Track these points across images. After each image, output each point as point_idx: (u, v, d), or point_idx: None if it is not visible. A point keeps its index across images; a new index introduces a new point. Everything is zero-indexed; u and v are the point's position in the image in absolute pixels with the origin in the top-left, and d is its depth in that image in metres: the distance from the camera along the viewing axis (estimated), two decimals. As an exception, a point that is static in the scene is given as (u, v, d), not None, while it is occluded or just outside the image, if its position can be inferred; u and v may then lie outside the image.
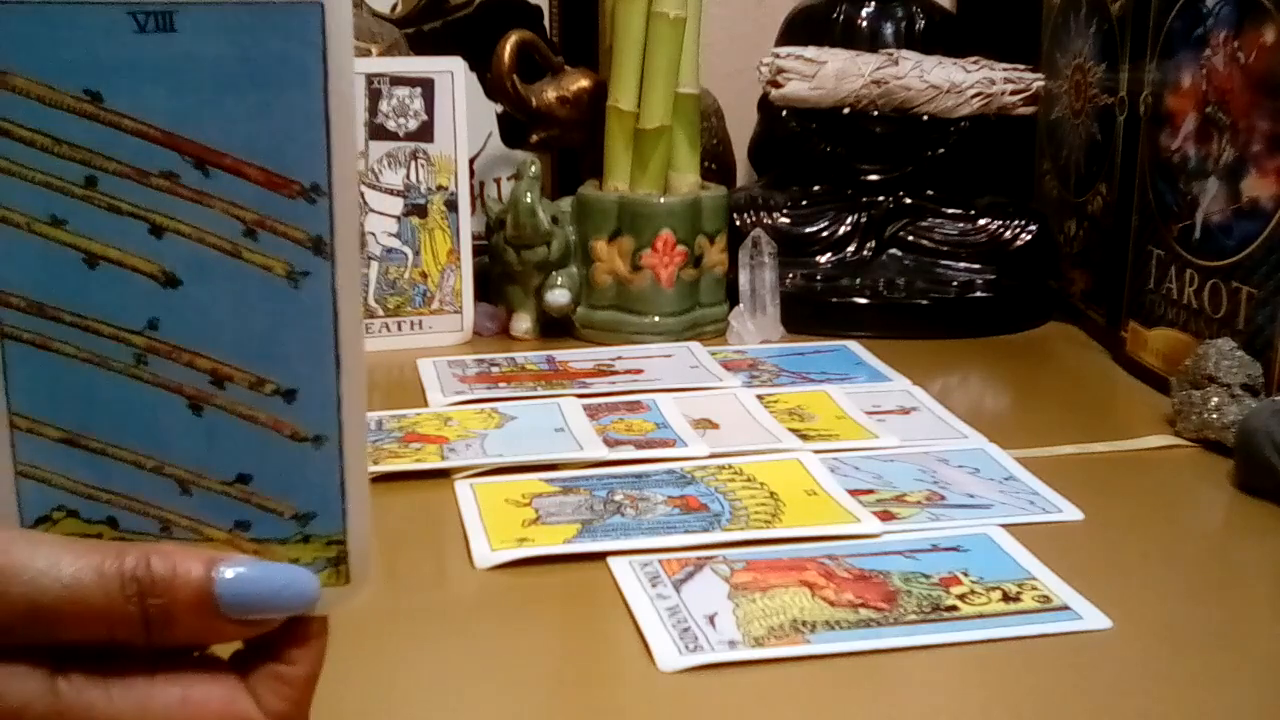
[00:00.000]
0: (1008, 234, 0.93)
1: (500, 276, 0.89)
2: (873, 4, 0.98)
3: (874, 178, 0.95)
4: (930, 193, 0.95)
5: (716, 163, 0.99)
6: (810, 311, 0.90)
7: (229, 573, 0.29)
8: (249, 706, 0.30)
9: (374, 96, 0.84)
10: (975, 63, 0.94)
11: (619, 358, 0.83)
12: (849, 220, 0.94)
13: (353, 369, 0.30)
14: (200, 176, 0.29)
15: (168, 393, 0.30)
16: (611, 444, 0.65)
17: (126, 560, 0.28)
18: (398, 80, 0.85)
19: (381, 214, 0.86)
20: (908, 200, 0.94)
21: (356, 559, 0.31)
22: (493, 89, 0.93)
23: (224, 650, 0.31)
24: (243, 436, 0.30)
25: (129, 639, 0.29)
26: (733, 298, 0.89)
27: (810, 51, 0.93)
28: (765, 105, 0.98)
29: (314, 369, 0.30)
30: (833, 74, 0.92)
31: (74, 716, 0.28)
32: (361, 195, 0.85)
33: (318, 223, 0.29)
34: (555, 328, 0.88)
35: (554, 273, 0.87)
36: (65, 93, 0.28)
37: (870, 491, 0.60)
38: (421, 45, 0.95)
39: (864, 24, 0.97)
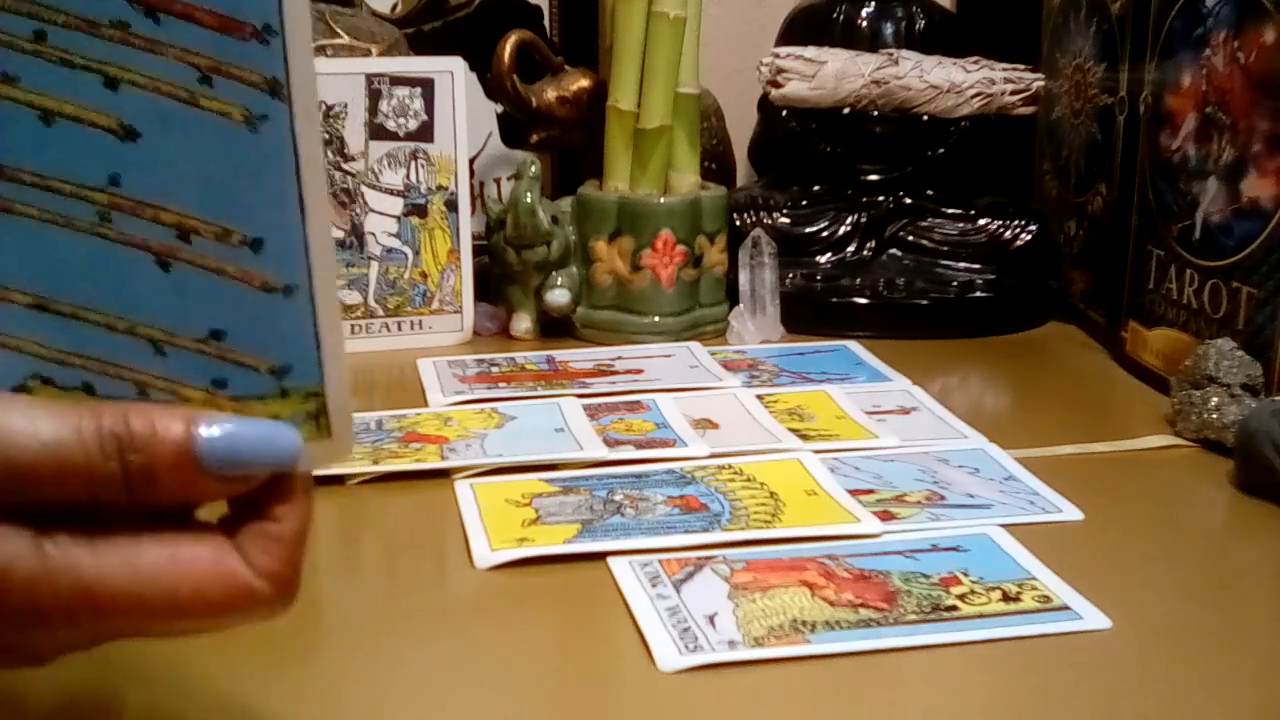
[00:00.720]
0: (1008, 234, 0.93)
1: (500, 276, 0.89)
2: (873, 4, 0.98)
3: (874, 178, 0.95)
4: (930, 193, 0.95)
5: (716, 163, 0.99)
6: (810, 311, 0.90)
7: (209, 429, 0.29)
8: (238, 564, 0.30)
9: (374, 96, 0.84)
10: (975, 63, 0.94)
11: (619, 358, 0.83)
12: (849, 220, 0.94)
13: (317, 214, 0.30)
14: (151, 24, 0.28)
15: (134, 250, 0.30)
16: (611, 444, 0.65)
17: (105, 418, 0.28)
18: (398, 80, 0.85)
19: (381, 214, 0.86)
20: (908, 200, 0.94)
21: (336, 411, 0.31)
22: (493, 89, 0.93)
23: (211, 515, 0.31)
24: (213, 291, 0.30)
25: (111, 498, 0.28)
26: (733, 298, 0.89)
27: (810, 51, 0.93)
28: (765, 105, 0.98)
29: (279, 216, 0.30)
30: (833, 74, 0.92)
31: (60, 575, 0.28)
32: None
33: (273, 64, 0.29)
34: (555, 328, 0.88)
35: (554, 273, 0.87)
36: None
37: (870, 491, 0.60)
38: (421, 45, 0.95)
39: (864, 24, 0.97)
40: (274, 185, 0.29)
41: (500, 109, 0.96)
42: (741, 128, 1.04)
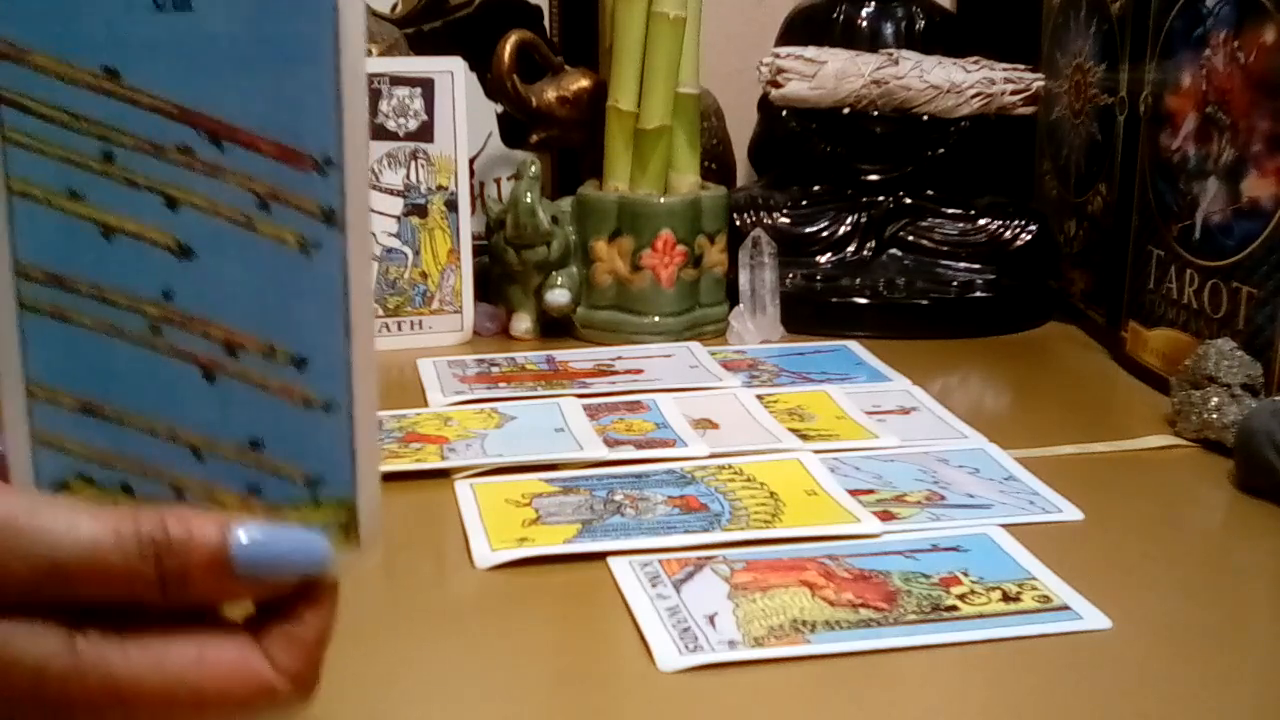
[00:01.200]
0: (1008, 234, 0.93)
1: (500, 276, 0.89)
2: (873, 4, 0.98)
3: (874, 178, 0.95)
4: (930, 193, 0.95)
5: (716, 163, 0.99)
6: (810, 311, 0.90)
7: (243, 535, 0.30)
8: (262, 664, 0.30)
9: (374, 96, 0.84)
10: (975, 63, 0.94)
11: (619, 358, 0.83)
12: (849, 220, 0.94)
13: (363, 336, 0.31)
14: (214, 150, 0.29)
15: (181, 361, 0.31)
16: (611, 444, 0.65)
17: (143, 523, 0.29)
18: (398, 80, 0.85)
19: (381, 214, 0.86)
20: (908, 200, 0.94)
21: (366, 522, 0.32)
22: (493, 89, 0.93)
23: (237, 616, 0.31)
24: (255, 403, 0.31)
25: (146, 598, 0.29)
26: (733, 298, 0.89)
27: (810, 51, 0.93)
28: (765, 105, 0.98)
29: (325, 337, 0.30)
30: (833, 74, 0.92)
31: (91, 673, 0.29)
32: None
33: (329, 194, 0.30)
34: (555, 328, 0.88)
35: (554, 273, 0.87)
36: (84, 69, 0.29)
37: (870, 491, 0.60)
38: (421, 45, 0.95)
39: (864, 24, 0.97)
40: (322, 307, 0.30)
41: (500, 109, 0.96)
42: (741, 128, 1.04)
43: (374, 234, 0.85)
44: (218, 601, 0.31)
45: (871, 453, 0.66)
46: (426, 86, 0.86)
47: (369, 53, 0.88)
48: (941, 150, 0.95)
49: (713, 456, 0.64)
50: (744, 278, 0.88)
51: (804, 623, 0.47)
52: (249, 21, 0.29)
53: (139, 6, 0.29)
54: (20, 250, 0.30)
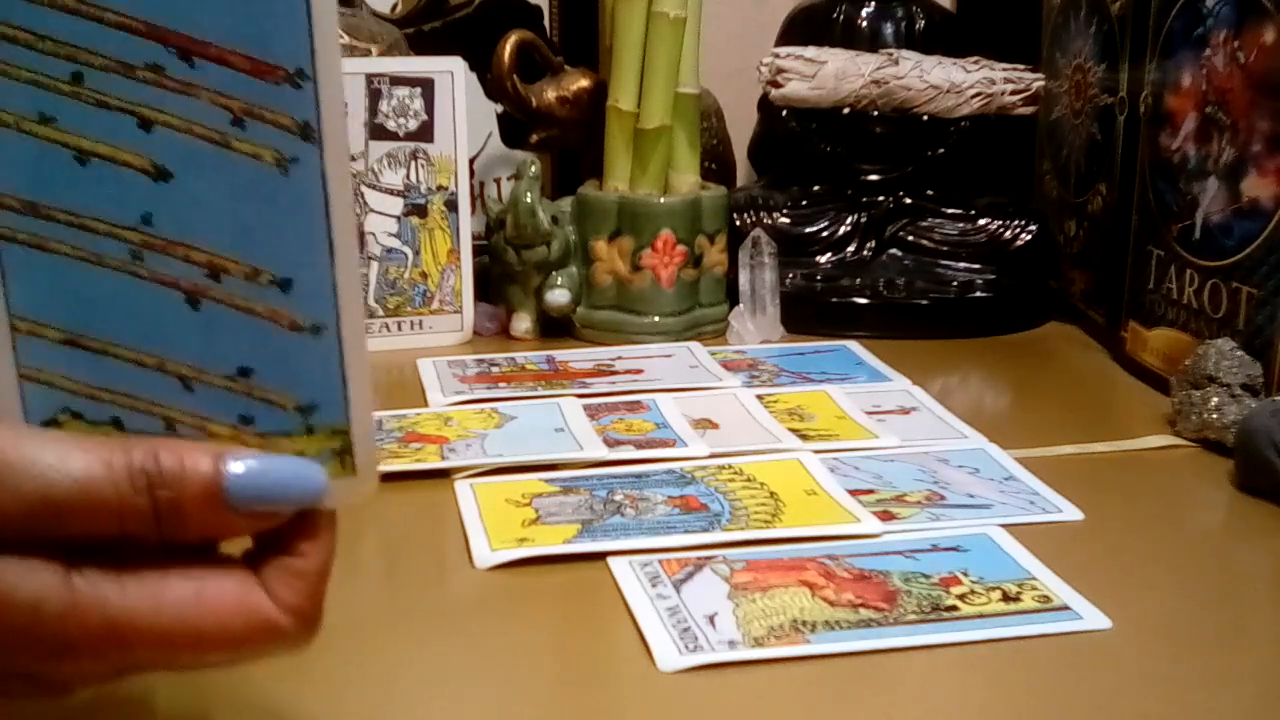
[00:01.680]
0: (1008, 234, 0.93)
1: (500, 276, 0.89)
2: (873, 4, 0.98)
3: (874, 178, 0.95)
4: (930, 193, 0.95)
5: (716, 163, 0.99)
6: (810, 311, 0.90)
7: (236, 466, 0.29)
8: (262, 599, 0.30)
9: (374, 96, 0.84)
10: (975, 63, 0.94)
11: (619, 358, 0.83)
12: (849, 220, 0.94)
13: (346, 255, 0.30)
14: (185, 67, 0.29)
15: (165, 288, 0.30)
16: (611, 444, 0.65)
17: (134, 454, 0.29)
18: (398, 80, 0.85)
19: (381, 214, 0.86)
20: (908, 200, 0.94)
21: (361, 448, 0.31)
22: (493, 89, 0.93)
23: (235, 551, 0.31)
24: (241, 329, 0.30)
25: (140, 533, 0.29)
26: (733, 298, 0.89)
27: (810, 51, 0.93)
28: (765, 105, 0.98)
29: (308, 257, 0.30)
30: (833, 74, 0.92)
31: (89, 609, 0.29)
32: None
33: (304, 108, 0.29)
34: (555, 328, 0.88)
35: (554, 273, 0.87)
36: None
37: (870, 491, 0.60)
38: (421, 45, 0.95)
39: (864, 24, 0.97)
40: (304, 227, 0.30)
41: (500, 109, 0.96)
42: (741, 128, 1.04)
43: (374, 234, 0.85)
44: (213, 535, 0.30)
45: (871, 453, 0.66)
46: (426, 86, 0.86)
47: (368, 52, 0.88)
48: (941, 150, 0.95)
49: (713, 456, 0.64)
50: (744, 278, 0.88)
51: (804, 623, 0.47)
52: None
53: None
54: None
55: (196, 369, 0.31)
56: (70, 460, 0.28)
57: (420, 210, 0.86)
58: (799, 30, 0.99)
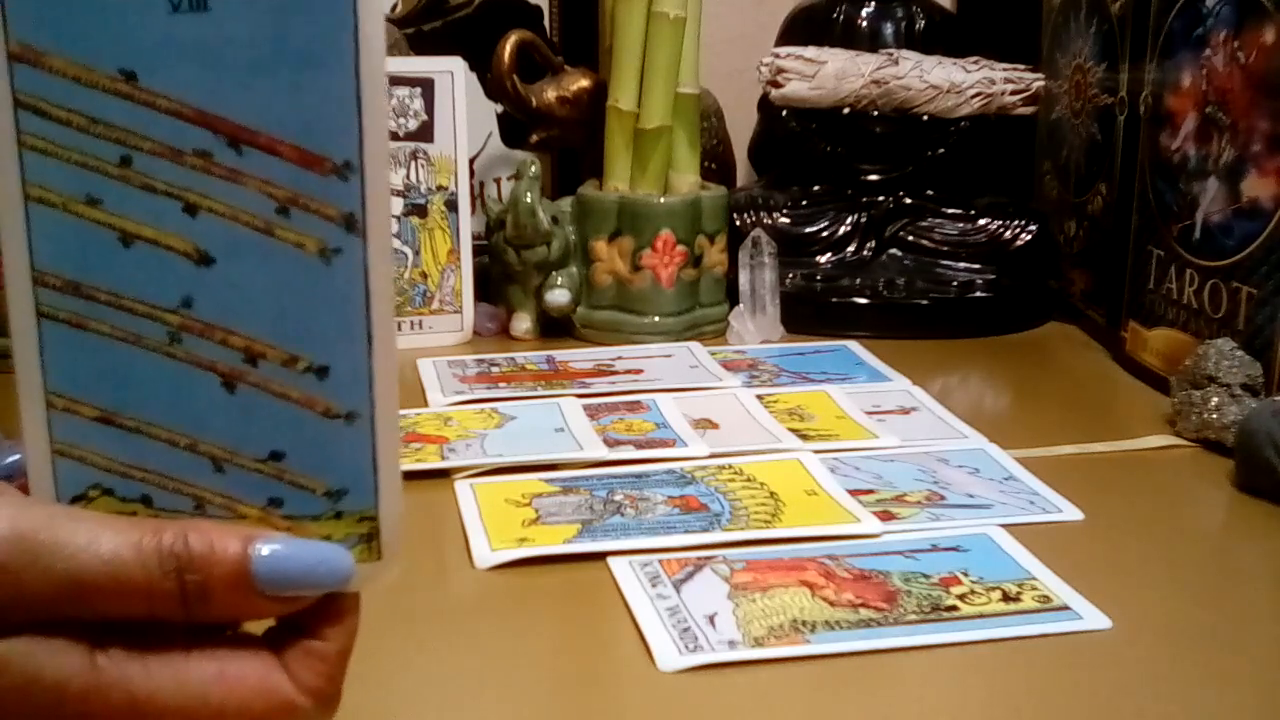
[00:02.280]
0: (1008, 234, 0.93)
1: (500, 276, 0.89)
2: (873, 4, 0.98)
3: (874, 178, 0.95)
4: (930, 193, 0.95)
5: (716, 163, 0.99)
6: (810, 311, 0.90)
7: (265, 549, 0.29)
8: (283, 681, 0.30)
9: (374, 97, 0.84)
10: (975, 63, 0.94)
11: (619, 358, 0.83)
12: (849, 220, 0.94)
13: (384, 345, 0.30)
14: (234, 155, 0.29)
15: (201, 370, 0.30)
16: (611, 444, 0.65)
17: (164, 536, 0.29)
18: (398, 80, 0.85)
19: (381, 214, 0.85)
20: (908, 200, 0.94)
21: (388, 534, 0.31)
22: (493, 89, 0.93)
23: (257, 628, 0.31)
24: (275, 414, 0.30)
25: (167, 615, 0.29)
26: (733, 298, 0.89)
27: (810, 51, 0.93)
28: (765, 105, 0.98)
29: (346, 346, 0.30)
30: (833, 74, 0.92)
31: (113, 690, 0.29)
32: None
33: (349, 200, 0.29)
34: (555, 328, 0.88)
35: (554, 273, 0.87)
36: (100, 72, 0.28)
37: (870, 491, 0.60)
38: (421, 45, 0.95)
39: (864, 24, 0.97)
40: (343, 316, 0.30)
41: (500, 109, 0.96)
42: (741, 128, 1.04)
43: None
44: (239, 617, 0.30)
45: (871, 453, 0.66)
46: (426, 86, 0.86)
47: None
48: (941, 150, 0.95)
49: (713, 456, 0.64)
50: (744, 278, 0.88)
51: (804, 623, 0.47)
52: (267, 24, 0.28)
53: (155, 8, 0.28)
54: (38, 257, 0.29)
55: (229, 451, 0.31)
56: (100, 542, 0.28)
57: (420, 210, 0.86)
58: (799, 30, 0.99)
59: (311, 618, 0.31)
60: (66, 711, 0.28)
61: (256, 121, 0.29)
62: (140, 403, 0.30)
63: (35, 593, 0.28)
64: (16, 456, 0.32)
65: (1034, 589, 0.51)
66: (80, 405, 0.30)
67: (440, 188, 0.86)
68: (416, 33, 0.96)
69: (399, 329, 0.87)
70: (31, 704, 0.28)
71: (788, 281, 0.90)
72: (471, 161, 0.96)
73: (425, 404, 0.73)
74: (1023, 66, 0.95)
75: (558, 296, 0.86)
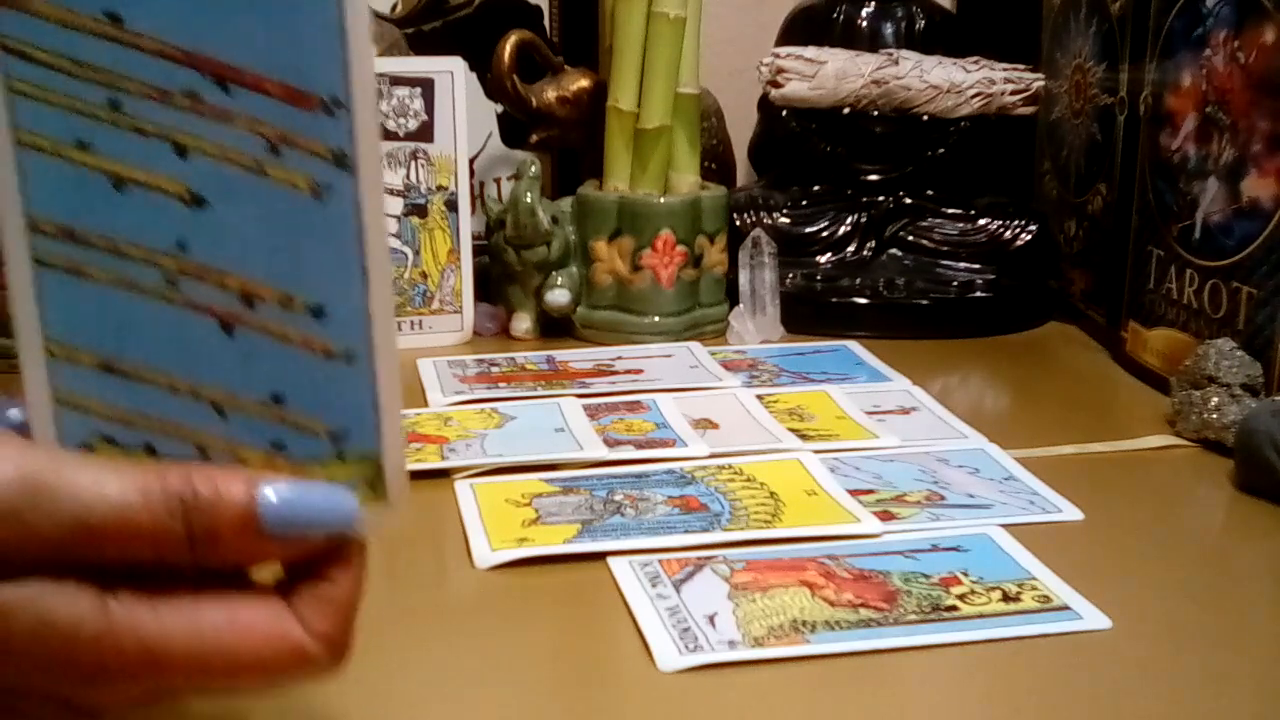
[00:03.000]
0: (1008, 234, 0.93)
1: (500, 276, 0.89)
2: (873, 4, 0.98)
3: (874, 178, 0.95)
4: (930, 193, 0.95)
5: (716, 163, 0.99)
6: (810, 311, 0.90)
7: (270, 492, 0.29)
8: (294, 626, 0.30)
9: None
10: (975, 63, 0.94)
11: (619, 358, 0.83)
12: (849, 220, 0.94)
13: (379, 283, 0.30)
14: (222, 94, 0.29)
15: (199, 314, 0.30)
16: (611, 444, 0.65)
17: (170, 480, 0.29)
18: (398, 80, 0.85)
19: (381, 214, 0.85)
20: (908, 200, 0.94)
21: (393, 476, 0.32)
22: (493, 89, 0.93)
23: (268, 576, 0.31)
24: (275, 356, 0.30)
25: (174, 558, 0.29)
26: (733, 298, 0.89)
27: (810, 51, 0.93)
28: (765, 105, 0.98)
29: (341, 284, 0.30)
30: (833, 74, 0.92)
31: (124, 634, 0.29)
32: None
33: (338, 136, 0.29)
34: (555, 328, 0.88)
35: (554, 273, 0.87)
36: (85, 15, 0.29)
37: (870, 491, 0.60)
38: (421, 45, 0.95)
39: (864, 24, 0.97)
40: (337, 253, 0.30)
41: (500, 109, 0.96)
42: (741, 128, 1.04)
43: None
44: (247, 561, 0.30)
45: (871, 453, 0.66)
46: (426, 86, 0.86)
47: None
48: (941, 150, 0.95)
49: (713, 456, 0.64)
50: (744, 278, 0.88)
51: (804, 623, 0.47)
52: None
53: None
54: (31, 204, 0.29)
55: (229, 395, 0.31)
56: (106, 485, 0.28)
57: (420, 210, 0.86)
58: (799, 30, 0.99)
59: (319, 564, 0.31)
60: (79, 655, 0.28)
61: (243, 60, 0.29)
62: (139, 349, 0.30)
63: (43, 535, 0.28)
64: (17, 411, 0.32)
65: (1034, 589, 0.51)
66: (80, 353, 0.30)
67: (440, 188, 0.86)
68: (416, 33, 0.96)
69: (399, 328, 0.87)
70: (44, 647, 0.28)
71: (788, 281, 0.90)
72: (471, 161, 0.96)
73: (425, 404, 0.73)
74: (1023, 66, 0.95)
75: (558, 296, 0.86)
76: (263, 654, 0.30)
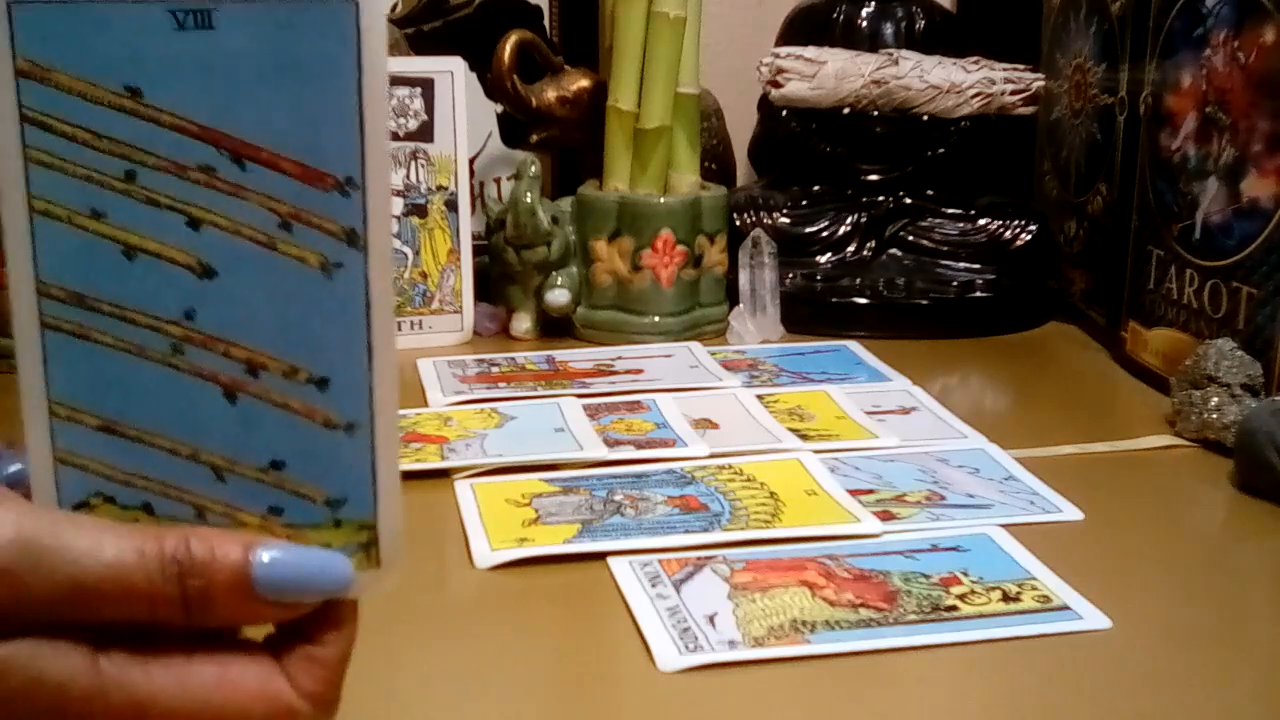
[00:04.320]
0: (1008, 234, 0.93)
1: (500, 276, 0.89)
2: (873, 4, 0.98)
3: (874, 178, 0.95)
4: (930, 193, 0.95)
5: (716, 163, 0.99)
6: (810, 311, 0.90)
7: (265, 556, 0.30)
8: (283, 686, 0.31)
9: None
10: (975, 63, 0.94)
11: (619, 358, 0.83)
12: (849, 220, 0.94)
13: (384, 357, 0.31)
14: (237, 170, 0.29)
15: (203, 381, 0.31)
16: (611, 444, 0.65)
17: (166, 543, 0.29)
18: (398, 80, 0.85)
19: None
20: (908, 200, 0.94)
21: (387, 543, 0.32)
22: (493, 89, 0.93)
23: (257, 636, 0.31)
24: (276, 424, 0.31)
25: (169, 619, 0.29)
26: (733, 298, 0.89)
27: (810, 51, 0.93)
28: (765, 105, 0.98)
29: (346, 358, 0.31)
30: (833, 74, 0.92)
31: (115, 693, 0.29)
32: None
33: (351, 215, 0.30)
34: (555, 328, 0.88)
35: (554, 273, 0.87)
36: (106, 89, 0.29)
37: (870, 491, 0.60)
38: (421, 45, 0.95)
39: (864, 24, 0.98)
40: (344, 328, 0.31)
41: (500, 109, 0.96)
42: (741, 128, 1.04)
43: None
44: (241, 623, 0.31)
45: (871, 453, 0.66)
46: (426, 86, 0.86)
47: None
48: (941, 150, 0.95)
49: (713, 456, 0.64)
50: (744, 278, 0.88)
51: (804, 623, 0.47)
52: (271, 41, 0.29)
53: (161, 26, 0.29)
54: (42, 269, 0.30)
55: (230, 460, 0.31)
56: (104, 547, 0.29)
57: (420, 210, 0.86)
58: (799, 30, 0.99)
59: (311, 624, 0.31)
60: (69, 713, 0.29)
61: (260, 137, 0.29)
62: (142, 412, 0.31)
63: (39, 596, 0.28)
64: (18, 466, 0.32)
65: (1034, 589, 0.51)
66: (83, 414, 0.31)
67: (440, 188, 0.86)
68: (416, 33, 0.96)
69: (399, 329, 0.87)
70: (35, 705, 0.29)
71: (788, 281, 0.90)
72: (471, 161, 0.96)
73: (425, 404, 0.73)
74: (1023, 66, 0.95)
75: (558, 296, 0.86)
76: (251, 712, 0.30)
